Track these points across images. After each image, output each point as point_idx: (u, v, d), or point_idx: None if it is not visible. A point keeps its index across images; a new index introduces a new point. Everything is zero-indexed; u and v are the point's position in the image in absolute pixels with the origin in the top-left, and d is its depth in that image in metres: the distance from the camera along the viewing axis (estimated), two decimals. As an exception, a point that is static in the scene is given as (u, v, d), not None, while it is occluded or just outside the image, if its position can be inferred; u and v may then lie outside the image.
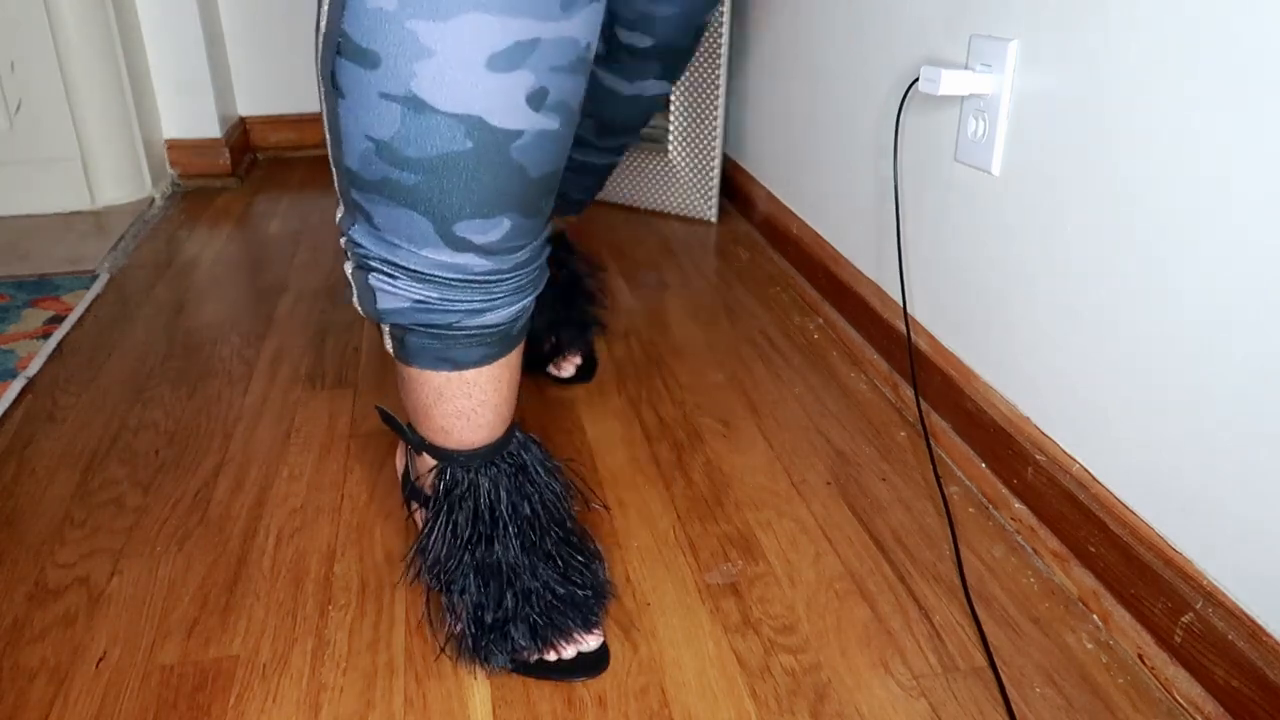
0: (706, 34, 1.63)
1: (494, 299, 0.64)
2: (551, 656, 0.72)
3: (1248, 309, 0.64)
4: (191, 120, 1.96)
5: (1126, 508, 0.77)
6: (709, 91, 1.65)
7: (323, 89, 0.59)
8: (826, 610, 0.80)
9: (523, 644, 0.71)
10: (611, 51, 0.91)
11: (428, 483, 0.75)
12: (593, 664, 0.73)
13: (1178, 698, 0.71)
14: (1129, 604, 0.76)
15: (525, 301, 0.67)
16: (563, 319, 1.11)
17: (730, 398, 1.13)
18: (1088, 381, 0.81)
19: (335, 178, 0.64)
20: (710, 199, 1.73)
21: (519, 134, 0.57)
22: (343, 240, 0.66)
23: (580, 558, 0.74)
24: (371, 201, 0.61)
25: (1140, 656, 0.75)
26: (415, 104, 0.55)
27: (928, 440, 1.04)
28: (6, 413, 1.10)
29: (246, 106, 2.14)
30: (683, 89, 1.68)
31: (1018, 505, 0.90)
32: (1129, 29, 0.73)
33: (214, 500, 0.94)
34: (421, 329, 0.65)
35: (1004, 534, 0.90)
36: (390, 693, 0.72)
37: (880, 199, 1.18)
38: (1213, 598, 0.68)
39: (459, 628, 0.72)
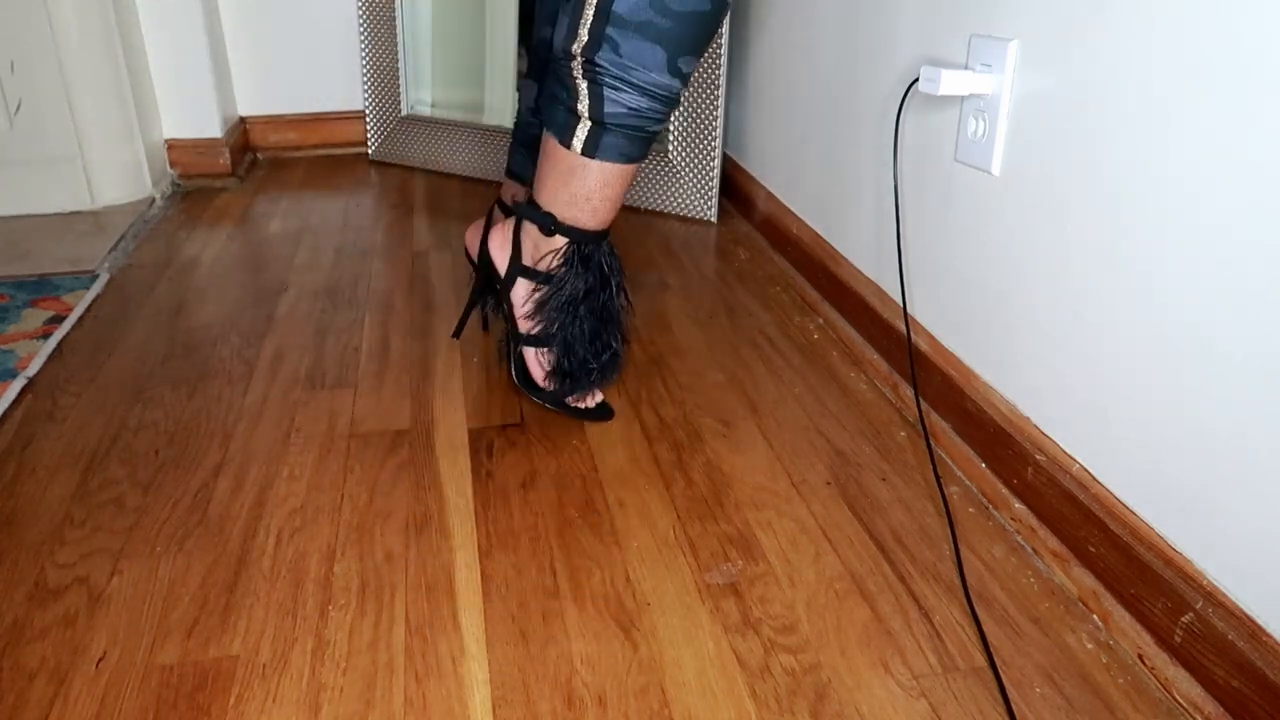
0: (706, 34, 1.63)
1: (665, 115, 0.92)
2: (584, 404, 1.06)
3: (1248, 309, 0.64)
4: (191, 120, 1.96)
5: (1126, 508, 0.77)
6: (709, 91, 1.65)
7: None
8: (826, 610, 0.80)
9: (582, 387, 1.02)
10: None
11: (550, 261, 0.98)
12: (606, 412, 1.08)
13: (1178, 698, 0.71)
14: (1129, 604, 0.76)
15: (665, 122, 0.96)
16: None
17: (730, 398, 1.13)
18: (1088, 381, 0.81)
19: (588, 18, 0.86)
20: (710, 199, 1.73)
21: (726, 5, 0.87)
22: (575, 64, 0.89)
23: (622, 326, 1.04)
24: (626, 36, 0.85)
25: (1140, 656, 0.75)
26: None
27: (928, 440, 1.04)
28: (6, 413, 1.10)
29: (246, 106, 2.14)
30: (683, 89, 1.68)
31: (1018, 505, 0.90)
32: (1129, 29, 0.74)
33: (214, 500, 0.94)
34: (622, 129, 0.90)
35: (1004, 534, 0.90)
36: (390, 693, 0.72)
37: (880, 199, 1.18)
38: (1213, 598, 0.68)
39: (539, 370, 1.04)
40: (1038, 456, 0.87)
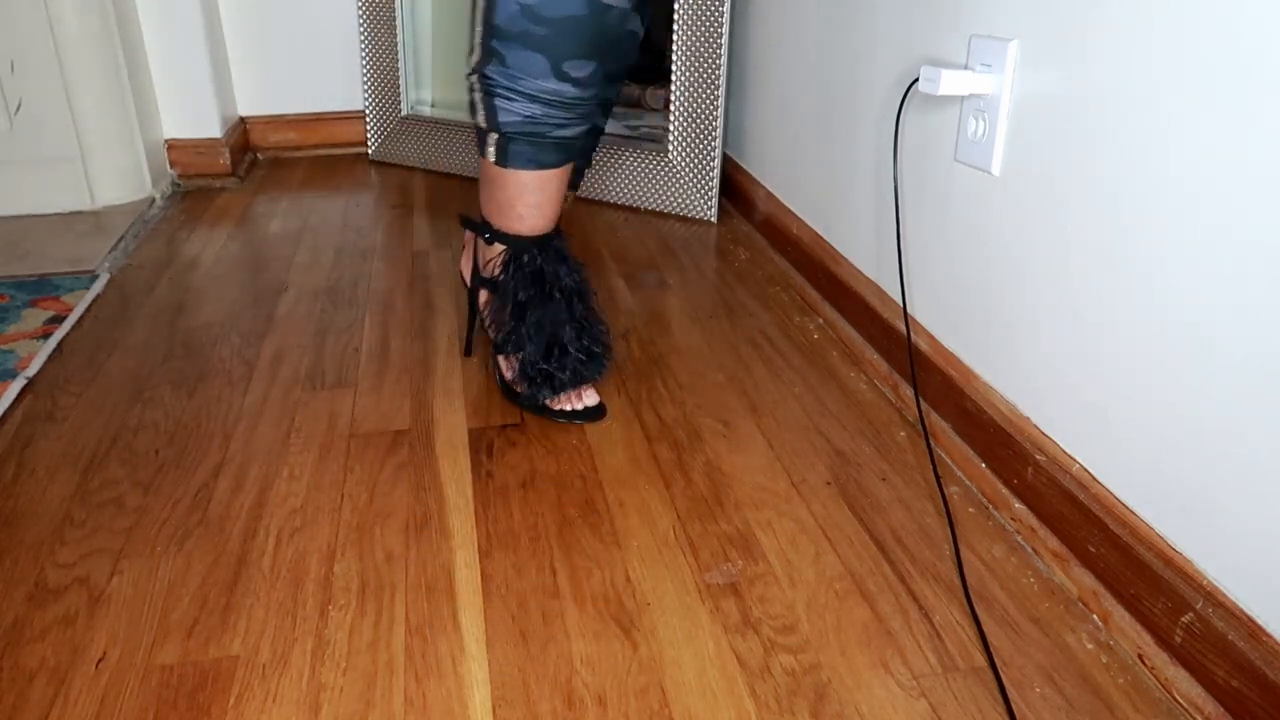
0: (707, 33, 1.63)
1: (572, 119, 0.93)
2: (567, 406, 1.04)
3: (1248, 309, 0.64)
4: (191, 120, 1.96)
5: (1126, 508, 0.77)
6: (709, 91, 1.65)
7: None
8: (826, 610, 0.80)
9: (558, 385, 1.01)
10: None
11: (495, 267, 1.01)
12: (594, 414, 1.06)
13: (1178, 698, 0.71)
14: (1129, 604, 0.76)
15: (591, 124, 0.96)
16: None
17: (730, 398, 1.13)
18: (1088, 381, 0.81)
19: (478, 34, 0.91)
20: (710, 199, 1.73)
21: (610, 8, 0.88)
22: (473, 78, 0.94)
23: (599, 325, 1.05)
24: (508, 47, 0.88)
25: (1140, 656, 0.75)
26: None
27: (928, 440, 1.04)
28: (6, 413, 1.10)
29: (246, 106, 2.14)
30: (683, 89, 1.68)
31: (1018, 505, 0.90)
32: (1129, 29, 0.74)
33: (214, 500, 0.94)
34: (524, 136, 0.93)
35: (1004, 534, 0.90)
36: (390, 693, 0.72)
37: (880, 199, 1.18)
38: (1213, 598, 0.68)
39: (509, 375, 1.05)
40: (1038, 456, 0.87)
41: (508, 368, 1.06)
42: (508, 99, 0.91)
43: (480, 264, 1.04)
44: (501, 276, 1.01)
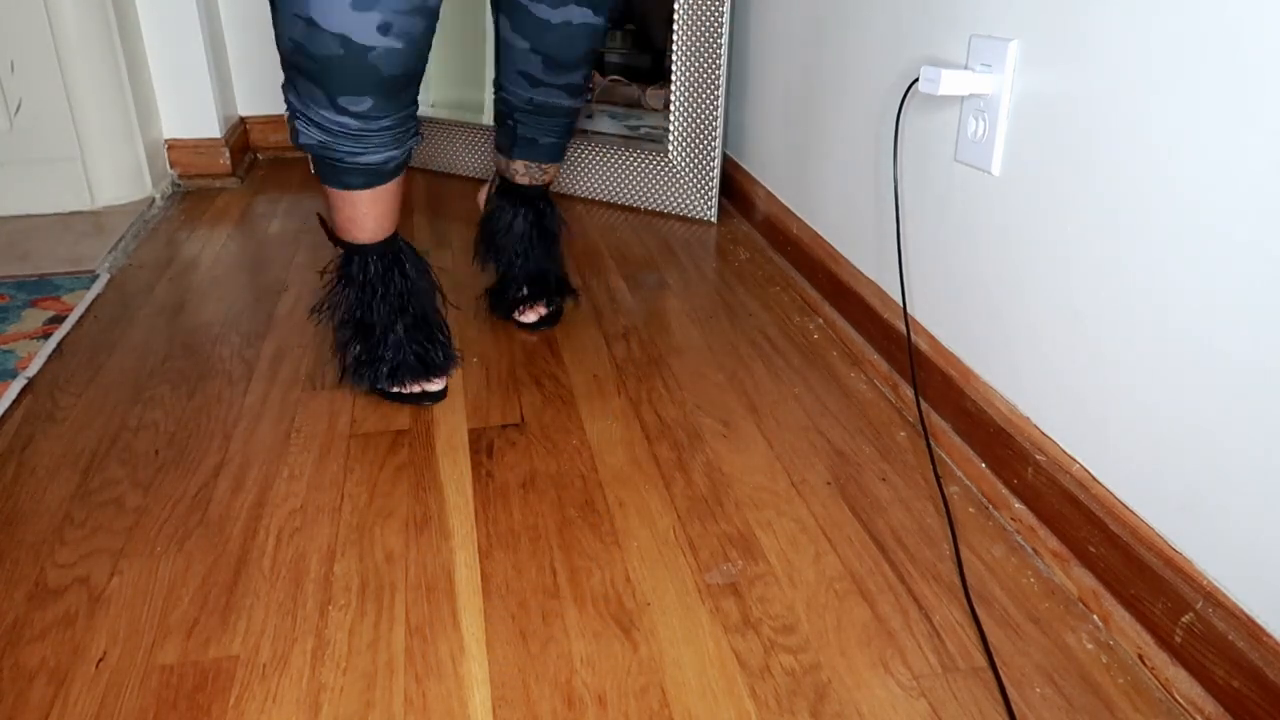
0: (707, 33, 1.63)
1: (365, 148, 0.97)
2: (404, 390, 1.10)
3: (1248, 309, 0.64)
4: (191, 120, 1.96)
5: (1126, 508, 0.77)
6: (709, 91, 1.65)
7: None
8: (826, 610, 0.80)
9: (380, 380, 1.09)
10: None
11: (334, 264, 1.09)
12: (433, 398, 1.11)
13: (1178, 698, 0.71)
14: (1129, 604, 0.76)
15: (391, 153, 0.99)
16: (534, 270, 1.27)
17: (730, 398, 1.13)
18: (1088, 381, 0.81)
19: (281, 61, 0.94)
20: (710, 199, 1.73)
21: (372, 48, 0.89)
22: (285, 99, 0.97)
23: (437, 334, 1.11)
24: (294, 75, 0.93)
25: (1140, 656, 0.75)
26: (310, 23, 0.88)
27: (928, 440, 1.04)
28: (6, 413, 1.10)
29: (246, 106, 2.14)
30: (683, 89, 1.68)
31: (1018, 505, 0.90)
32: (1129, 29, 0.74)
33: (214, 500, 0.94)
34: (322, 159, 0.99)
35: (1004, 534, 0.90)
36: (390, 693, 0.72)
37: (880, 199, 1.18)
38: (1213, 598, 0.68)
39: (338, 362, 1.12)
40: (1038, 456, 0.87)
41: (340, 352, 1.13)
42: (304, 123, 0.96)
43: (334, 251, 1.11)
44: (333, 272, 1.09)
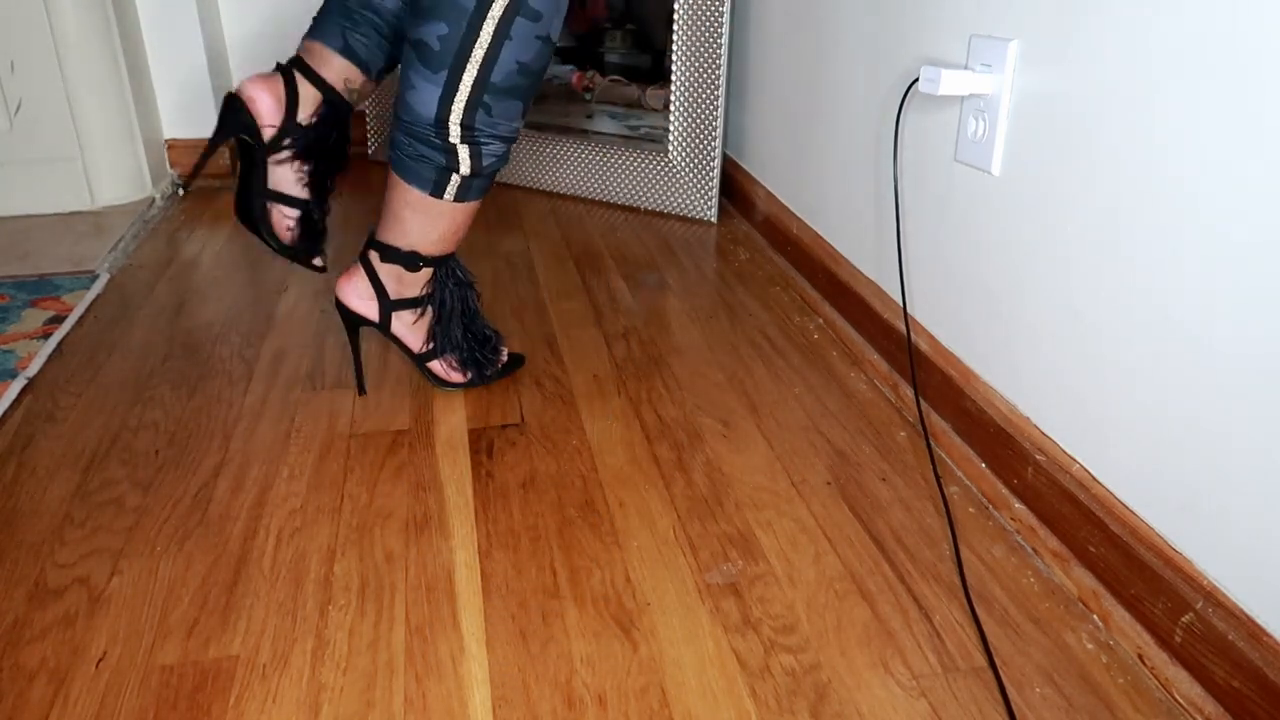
0: (707, 33, 1.63)
1: (507, 155, 1.02)
2: (500, 363, 1.16)
3: (1247, 309, 0.64)
4: (191, 120, 1.96)
5: (1126, 508, 0.77)
6: (709, 91, 1.65)
7: (486, 34, 0.92)
8: (826, 610, 0.80)
9: (490, 364, 1.14)
10: None
11: (422, 286, 1.09)
12: (517, 362, 1.20)
13: (1178, 698, 0.71)
14: (1129, 604, 0.76)
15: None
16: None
17: (730, 398, 1.13)
18: (1087, 381, 0.81)
19: (465, 92, 0.95)
20: (710, 199, 1.73)
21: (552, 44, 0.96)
22: (455, 130, 0.96)
23: (487, 328, 1.15)
24: (499, 99, 0.95)
25: (1140, 656, 0.75)
26: (547, 40, 0.94)
27: (928, 440, 1.04)
28: (6, 413, 1.10)
29: (246, 106, 2.14)
30: (683, 89, 1.68)
31: (1018, 505, 0.90)
32: (1129, 29, 0.74)
33: (214, 500, 0.94)
34: (489, 175, 1.01)
35: (1004, 534, 0.90)
36: (390, 693, 0.72)
37: (880, 199, 1.18)
38: (1213, 598, 0.68)
39: (448, 372, 1.14)
40: (1038, 456, 0.87)
41: (447, 368, 1.13)
42: (489, 144, 0.98)
43: (394, 291, 1.09)
44: (432, 292, 1.09)
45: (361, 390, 1.16)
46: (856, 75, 1.23)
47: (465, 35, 0.92)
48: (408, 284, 1.08)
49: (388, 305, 1.09)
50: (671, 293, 1.43)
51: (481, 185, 1.02)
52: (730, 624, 0.79)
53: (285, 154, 1.07)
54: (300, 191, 1.09)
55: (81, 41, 1.70)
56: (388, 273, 1.07)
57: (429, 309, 1.10)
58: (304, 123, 1.07)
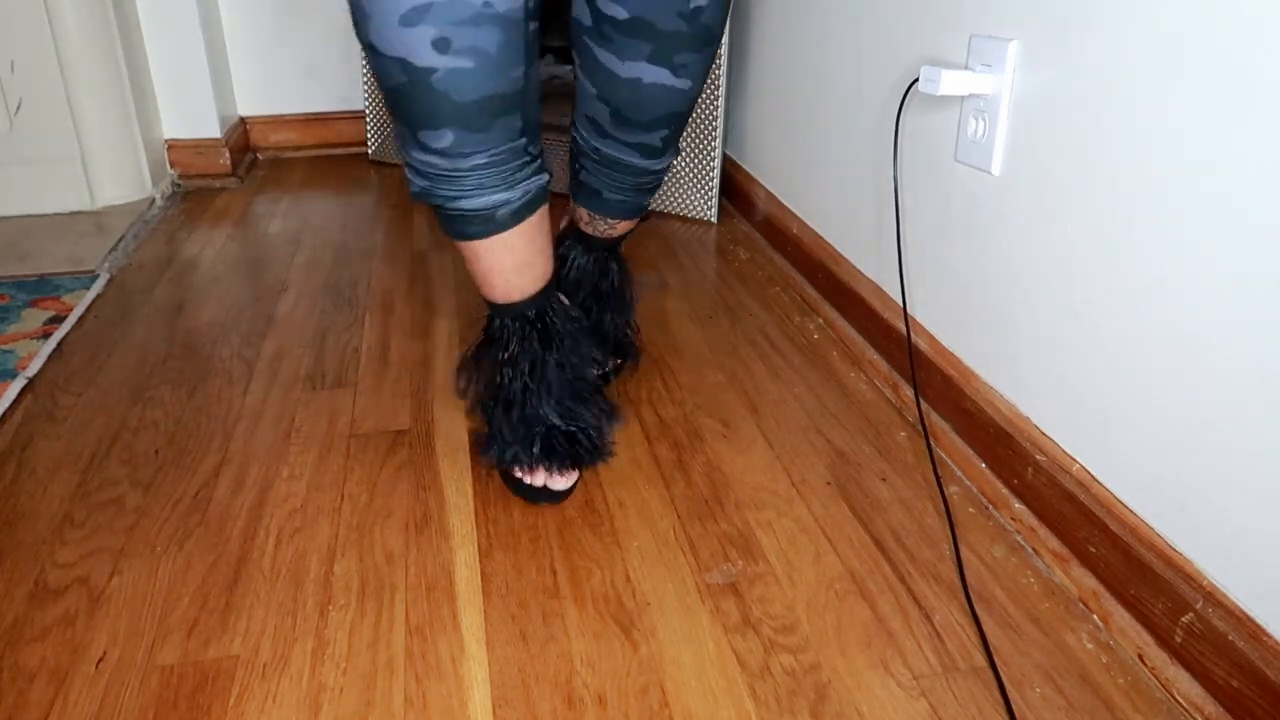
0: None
1: (462, 191, 0.83)
2: (526, 479, 0.93)
3: (1247, 309, 0.64)
4: (191, 120, 1.96)
5: (1126, 508, 0.77)
6: (709, 91, 1.65)
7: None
8: (826, 610, 0.80)
9: (504, 460, 0.93)
10: (596, 21, 0.89)
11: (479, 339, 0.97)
12: (552, 497, 0.93)
13: (1178, 698, 0.71)
14: (1129, 604, 0.76)
15: (495, 197, 0.83)
16: (590, 326, 1.06)
17: (730, 398, 1.13)
18: (1087, 382, 0.81)
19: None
20: (710, 199, 1.73)
21: (434, 70, 0.75)
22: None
23: (589, 410, 0.95)
24: (391, 117, 0.84)
25: (1140, 656, 0.75)
26: (372, 49, 0.76)
27: (928, 440, 1.04)
28: (6, 413, 1.10)
29: (246, 106, 2.14)
30: (683, 89, 1.68)
31: (1018, 505, 0.90)
32: (1129, 29, 0.74)
33: (214, 500, 0.94)
34: (433, 209, 0.86)
35: (1004, 534, 0.90)
36: (390, 693, 0.72)
37: (880, 199, 1.18)
38: (1213, 598, 0.68)
39: (483, 431, 0.96)
40: (1038, 456, 0.87)
41: (483, 417, 0.99)
42: (408, 169, 0.85)
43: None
44: (481, 344, 0.96)
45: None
46: (857, 75, 1.23)
47: None
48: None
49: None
50: (671, 293, 1.43)
51: (442, 221, 0.88)
52: (730, 624, 0.79)
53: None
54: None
55: (82, 42, 1.70)
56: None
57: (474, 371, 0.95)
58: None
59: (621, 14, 0.87)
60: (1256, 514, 0.65)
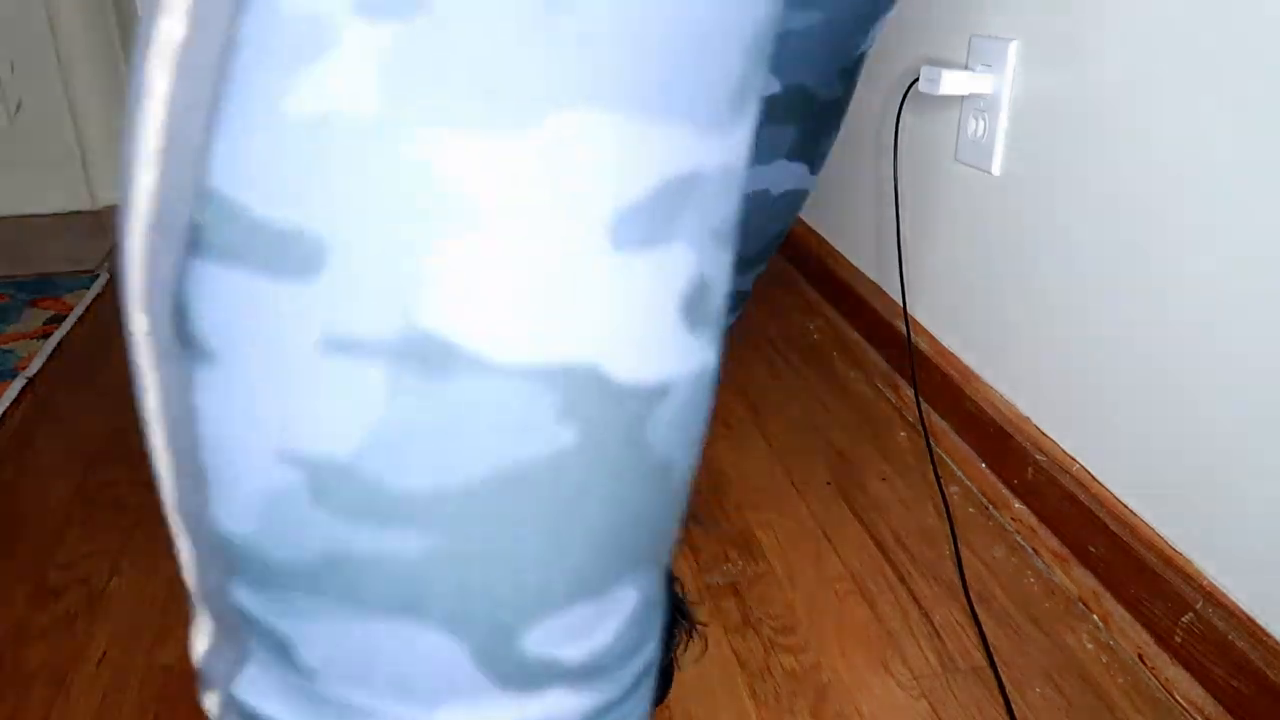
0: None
1: None
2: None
3: (1248, 309, 0.64)
4: (191, 120, 1.96)
5: (1126, 508, 0.77)
6: (709, 91, 1.65)
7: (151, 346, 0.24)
8: (826, 610, 0.80)
9: None
10: None
11: None
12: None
13: (1178, 698, 0.71)
14: (1129, 604, 0.76)
15: None
16: None
17: (730, 398, 1.13)
18: (1087, 381, 0.81)
19: (184, 558, 0.26)
20: (710, 199, 1.73)
21: (666, 390, 0.24)
22: (208, 700, 0.27)
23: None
24: (293, 612, 0.23)
25: (1140, 656, 0.75)
26: (435, 348, 0.21)
27: (928, 440, 1.04)
28: (6, 413, 1.10)
29: (246, 106, 2.14)
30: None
31: (1018, 505, 0.90)
32: (1129, 29, 0.74)
33: (214, 500, 0.94)
34: None
35: (1004, 534, 0.90)
36: (390, 693, 0.72)
37: (880, 199, 1.18)
38: (1213, 598, 0.68)
39: None
40: (1038, 456, 0.87)
41: None
42: None
43: None
44: None
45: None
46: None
47: None
48: None
49: None
50: (671, 293, 1.43)
51: None
52: (730, 624, 0.78)
53: None
54: None
55: (82, 42, 1.70)
56: None
57: None
58: None
59: (772, 86, 0.58)
60: (1256, 514, 0.65)
